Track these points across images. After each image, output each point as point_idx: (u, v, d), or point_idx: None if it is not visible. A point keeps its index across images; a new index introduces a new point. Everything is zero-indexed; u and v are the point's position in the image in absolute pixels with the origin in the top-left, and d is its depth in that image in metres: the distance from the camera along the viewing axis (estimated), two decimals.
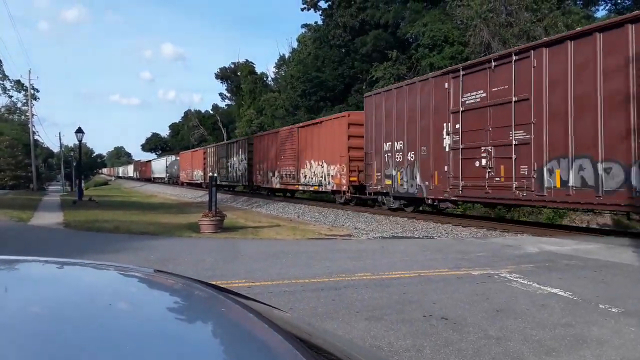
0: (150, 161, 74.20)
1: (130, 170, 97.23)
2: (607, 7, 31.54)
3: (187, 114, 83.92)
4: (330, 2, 37.95)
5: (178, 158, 52.95)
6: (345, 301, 4.99)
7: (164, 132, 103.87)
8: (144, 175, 73.14)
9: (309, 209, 19.15)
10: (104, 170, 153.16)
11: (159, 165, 62.25)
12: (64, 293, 1.07)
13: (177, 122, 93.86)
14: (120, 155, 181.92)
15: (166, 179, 56.37)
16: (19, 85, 54.26)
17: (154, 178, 64.20)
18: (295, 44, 50.32)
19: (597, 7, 30.84)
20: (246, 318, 1.03)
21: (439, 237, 11.32)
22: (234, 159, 31.99)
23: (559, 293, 5.31)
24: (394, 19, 30.03)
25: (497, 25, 22.94)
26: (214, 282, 5.29)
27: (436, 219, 14.65)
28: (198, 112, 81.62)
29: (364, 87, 32.68)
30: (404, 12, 29.19)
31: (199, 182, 40.50)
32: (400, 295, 5.27)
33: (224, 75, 68.76)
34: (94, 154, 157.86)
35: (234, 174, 31.88)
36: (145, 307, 1.07)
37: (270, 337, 0.91)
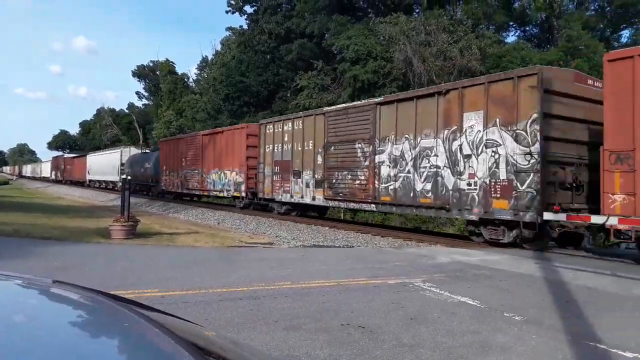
0: (84, 156, 52.25)
1: (43, 169, 75.15)
2: (516, 34, 34.39)
3: (100, 112, 79.45)
4: (256, 8, 37.81)
5: (148, 151, 40.91)
6: (264, 311, 4.89)
7: (74, 130, 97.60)
8: (72, 176, 54.19)
9: (229, 216, 18.78)
10: (6, 168, 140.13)
11: (105, 161, 42.95)
12: None
13: (88, 120, 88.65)
14: (23, 153, 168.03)
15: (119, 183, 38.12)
16: None
17: (91, 182, 46.78)
18: (219, 47, 49.53)
19: (507, 32, 33.49)
20: (148, 331, 1.00)
21: (359, 246, 11.54)
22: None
23: (468, 302, 5.58)
24: (319, 30, 30.51)
25: (417, 44, 24.05)
26: (123, 292, 4.96)
27: (356, 228, 14.95)
28: (112, 110, 77.55)
29: (288, 95, 32.86)
30: (329, 24, 29.75)
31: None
32: (319, 304, 5.27)
33: (141, 73, 65.98)
34: None
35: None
36: (40, 321, 0.99)
37: (172, 349, 0.88)
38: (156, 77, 60.59)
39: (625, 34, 31.90)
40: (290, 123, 17.90)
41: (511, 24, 32.91)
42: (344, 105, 16.27)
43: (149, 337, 0.96)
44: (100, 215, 16.91)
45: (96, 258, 8.27)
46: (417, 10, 29.74)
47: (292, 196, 17.51)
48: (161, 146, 29.92)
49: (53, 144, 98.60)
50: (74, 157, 57.88)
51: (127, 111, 74.23)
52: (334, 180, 15.41)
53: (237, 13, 39.90)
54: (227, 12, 40.00)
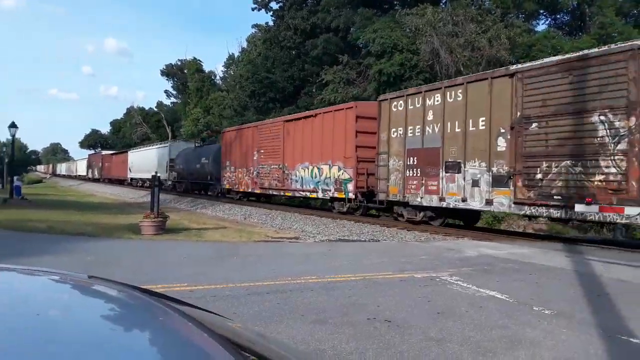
0: (125, 152, 47.81)
1: (79, 167, 71.73)
2: (547, 22, 33.49)
3: (130, 111, 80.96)
4: (281, 4, 37.88)
5: (203, 144, 33.85)
6: (291, 305, 4.94)
7: (105, 129, 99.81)
8: (110, 173, 51.50)
9: (255, 211, 18.96)
10: (40, 167, 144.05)
11: (150, 157, 38.31)
12: None
13: (118, 119, 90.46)
14: (56, 152, 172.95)
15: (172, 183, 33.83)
16: None
17: (133, 180, 42.79)
18: (245, 44, 49.80)
19: (537, 21, 32.64)
20: (183, 326, 1.01)
21: (385, 240, 11.50)
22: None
23: (497, 295, 5.52)
24: (345, 24, 30.37)
25: (444, 35, 23.69)
26: (154, 286, 5.07)
27: (382, 222, 14.89)
28: (141, 109, 78.87)
29: (314, 90, 32.82)
30: (355, 18, 29.56)
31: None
32: (345, 298, 5.29)
33: (170, 72, 66.91)
34: (28, 150, 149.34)
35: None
36: (77, 316, 1.02)
37: (207, 344, 0.89)
38: (184, 75, 61.36)
39: None
40: (438, 95, 12.70)
41: (541, 11, 31.99)
42: (566, 56, 10.31)
43: (184, 332, 0.97)
44: (131, 212, 17.33)
45: (128, 253, 8.49)
46: (444, 1, 29.26)
47: (442, 199, 12.41)
48: (224, 137, 25.74)
49: (85, 143, 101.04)
50: (113, 154, 54.51)
51: (156, 109, 75.46)
52: (537, 175, 10.19)
53: (262, 10, 40.01)
54: (253, 9, 40.15)
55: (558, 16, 32.99)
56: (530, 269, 7.25)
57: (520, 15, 29.26)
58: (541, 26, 32.99)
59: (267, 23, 42.58)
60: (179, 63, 64.92)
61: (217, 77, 58.62)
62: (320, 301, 5.13)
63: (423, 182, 12.99)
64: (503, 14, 26.02)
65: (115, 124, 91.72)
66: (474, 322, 4.44)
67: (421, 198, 13.08)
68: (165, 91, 75.25)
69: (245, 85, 37.35)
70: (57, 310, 1.03)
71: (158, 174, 12.98)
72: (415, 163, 13.34)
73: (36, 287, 1.20)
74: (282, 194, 20.49)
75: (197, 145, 32.56)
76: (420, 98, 13.17)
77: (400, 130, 13.85)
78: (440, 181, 12.46)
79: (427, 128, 12.95)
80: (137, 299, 1.18)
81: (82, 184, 55.58)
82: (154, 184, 11.89)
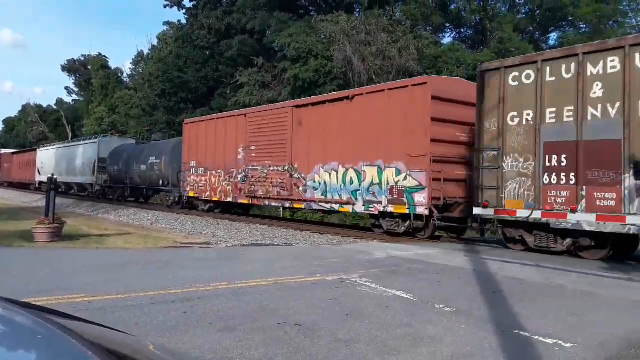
0: (33, 150, 40.95)
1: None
2: (452, 35, 35.79)
3: (26, 108, 74.40)
4: (195, 2, 36.87)
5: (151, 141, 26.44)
6: (198, 313, 4.77)
7: None
8: (11, 177, 44.53)
9: (163, 216, 18.18)
10: None
11: (70, 157, 32.03)
12: None
13: (12, 116, 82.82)
14: None
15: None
16: None
17: (43, 184, 33.57)
18: (155, 41, 47.81)
19: (443, 34, 34.78)
20: (61, 343, 0.92)
21: (298, 244, 11.54)
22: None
23: (402, 295, 5.73)
24: (261, 27, 30.22)
25: (357, 43, 24.39)
26: (48, 298, 4.67)
27: (296, 226, 14.96)
28: (39, 106, 72.84)
29: (228, 92, 32.28)
30: (271, 21, 29.55)
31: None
32: (256, 303, 5.20)
33: (72, 67, 62.49)
34: None
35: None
36: None
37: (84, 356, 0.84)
38: (87, 72, 57.66)
39: (553, 37, 34.07)
40: (614, 58, 8.53)
41: (447, 25, 34.19)
42: None
43: (61, 348, 0.89)
44: (24, 218, 15.83)
45: (19, 262, 7.73)
46: (358, 10, 30.15)
47: (623, 219, 8.18)
48: (188, 130, 20.18)
49: None
50: (14, 153, 46.90)
51: (55, 107, 70.00)
52: None
53: (175, 7, 38.66)
54: (165, 6, 38.64)
55: (462, 30, 35.47)
56: (434, 269, 7.64)
57: (428, 28, 30.99)
58: (447, 39, 35.28)
59: (179, 21, 41.30)
60: (83, 59, 60.89)
61: (125, 75, 55.83)
62: (229, 308, 5.00)
63: (582, 193, 8.70)
64: (412, 26, 27.40)
65: (8, 122, 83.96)
66: (381, 322, 4.57)
67: (577, 218, 8.71)
68: (67, 88, 70.04)
69: (155, 84, 35.82)
70: None
71: (55, 177, 11.98)
72: (563, 164, 9.03)
73: None
74: (287, 205, 15.85)
75: (140, 141, 26.60)
76: (573, 64, 8.95)
77: (527, 115, 9.56)
78: (623, 192, 8.21)
79: (591, 110, 8.71)
80: (11, 313, 1.07)
81: None
82: (49, 187, 10.96)
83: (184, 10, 38.58)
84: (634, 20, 29.78)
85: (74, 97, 67.13)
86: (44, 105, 73.61)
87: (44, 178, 34.44)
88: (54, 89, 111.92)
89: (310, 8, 32.25)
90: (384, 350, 3.80)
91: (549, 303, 5.49)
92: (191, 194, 19.59)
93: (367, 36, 24.68)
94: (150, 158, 22.78)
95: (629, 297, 5.80)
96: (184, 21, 39.61)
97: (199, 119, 20.86)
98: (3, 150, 53.41)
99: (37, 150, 39.56)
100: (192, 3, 37.33)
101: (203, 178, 18.84)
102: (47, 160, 35.91)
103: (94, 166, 27.65)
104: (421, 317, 4.81)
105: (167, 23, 43.03)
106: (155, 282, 6.25)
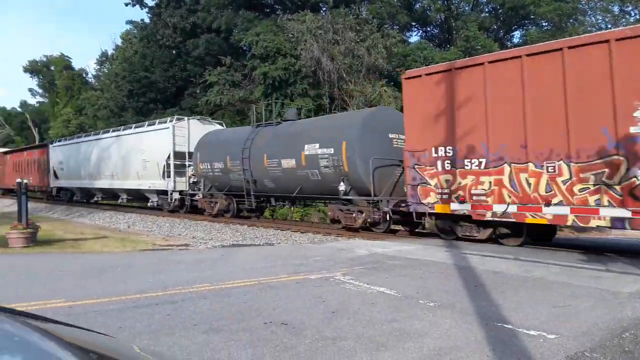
0: (45, 146, 31.61)
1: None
2: (419, 34, 36.17)
3: None
4: (157, 1, 36.19)
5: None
6: (182, 315, 4.71)
7: None
8: (3, 181, 35.89)
9: (140, 219, 17.89)
10: None
11: (120, 151, 22.46)
12: None
13: None
14: None
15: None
16: None
17: (63, 191, 28.67)
18: (119, 41, 46.96)
19: (410, 32, 35.11)
20: (38, 344, 0.92)
21: (279, 243, 11.51)
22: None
23: (386, 291, 5.77)
24: (227, 25, 29.86)
25: (325, 42, 24.38)
26: (25, 304, 4.53)
27: (276, 225, 14.90)
28: (3, 109, 70.78)
29: (198, 91, 31.90)
30: (237, 20, 29.27)
31: None
32: (240, 304, 5.17)
33: (34, 68, 60.73)
34: None
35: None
36: None
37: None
38: (51, 72, 56.19)
39: (517, 35, 34.83)
40: None
41: (413, 24, 34.55)
42: None
43: (40, 350, 0.89)
44: None
45: None
46: (325, 9, 30.14)
47: None
48: (417, 89, 11.18)
49: None
50: (9, 152, 37.78)
51: (19, 110, 68.09)
52: None
53: (137, 6, 37.91)
54: (126, 4, 37.85)
55: (428, 29, 35.91)
56: (415, 265, 7.71)
57: (395, 26, 31.25)
58: (414, 37, 35.66)
59: (142, 20, 40.64)
60: (45, 59, 59.30)
61: (90, 75, 54.63)
62: (214, 309, 4.95)
63: None
64: (379, 25, 27.58)
65: None
66: (367, 319, 4.59)
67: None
68: (30, 89, 68.11)
69: (121, 84, 35.15)
70: None
71: (25, 180, 11.62)
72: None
73: None
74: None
75: (271, 121, 16.91)
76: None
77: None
78: None
79: None
80: None
81: None
82: (20, 192, 10.67)
83: (147, 9, 37.94)
84: (593, 19, 30.65)
85: (39, 98, 65.45)
86: (8, 108, 71.64)
87: (64, 183, 27.61)
88: (17, 90, 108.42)
89: (276, 7, 31.98)
90: (371, 347, 3.82)
91: (530, 295, 5.61)
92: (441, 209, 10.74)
93: (334, 35, 24.70)
94: (309, 147, 13.65)
95: (608, 287, 5.96)
96: (147, 20, 39.00)
97: (463, 62, 10.91)
98: None
99: (50, 145, 30.34)
100: (154, 1, 36.65)
101: (484, 177, 9.96)
102: (71, 158, 26.81)
103: (166, 164, 19.00)
104: (406, 312, 4.85)
105: (130, 22, 42.27)
106: (136, 285, 6.15)
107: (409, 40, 32.71)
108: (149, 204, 21.47)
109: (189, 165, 18.93)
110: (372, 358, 3.59)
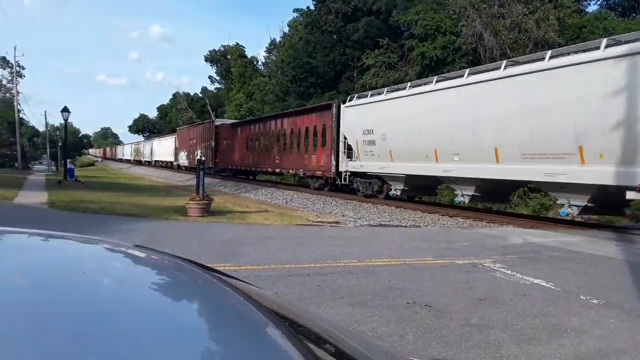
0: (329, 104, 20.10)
1: (157, 149, 51.79)
2: (598, 2, 31.74)
3: (176, 96, 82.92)
4: None
5: None
6: (331, 287, 5.00)
7: (152, 114, 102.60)
8: (230, 162, 31.01)
9: (297, 196, 19.14)
10: (95, 150, 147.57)
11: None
12: (36, 264, 1.06)
13: (165, 104, 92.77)
14: (107, 136, 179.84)
15: None
16: (4, 62, 53.18)
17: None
18: (286, 29, 49.85)
19: (588, 1, 31.01)
20: (227, 293, 1.02)
21: (426, 226, 11.38)
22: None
23: (541, 284, 5.38)
24: (387, 6, 29.83)
25: (489, 17, 22.88)
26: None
27: (424, 208, 14.73)
28: (187, 94, 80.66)
29: (355, 75, 32.53)
30: (397, 0, 29.03)
31: None
32: (385, 282, 5.30)
33: (213, 58, 67.93)
34: (80, 134, 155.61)
35: None
36: (123, 279, 1.06)
37: (253, 314, 0.90)
38: (227, 61, 62.12)
39: None
40: None
41: None
42: None
43: (231, 300, 0.99)
44: (178, 194, 17.87)
45: (174, 234, 8.78)
46: None
47: None
48: None
49: (134, 127, 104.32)
50: (242, 124, 31.92)
51: (200, 95, 76.95)
52: None
53: None
54: None
55: None
56: (578, 258, 7.01)
57: None
58: (592, 6, 31.37)
59: (308, 7, 42.46)
60: (222, 49, 65.75)
61: (259, 63, 59.04)
62: (359, 284, 5.16)
63: None
64: None
65: (162, 109, 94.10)
66: (517, 310, 4.36)
67: None
68: (209, 77, 76.73)
69: (286, 70, 37.46)
70: (104, 273, 1.06)
71: (203, 157, 13.17)
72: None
73: (85, 251, 1.25)
74: None
75: None
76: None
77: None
78: None
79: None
80: (182, 267, 1.20)
81: (130, 167, 57.64)
82: (198, 167, 12.20)
83: None
84: None
85: (216, 85, 73.10)
86: (191, 94, 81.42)
87: (394, 166, 15.59)
88: (199, 78, 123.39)
89: None
90: (520, 339, 3.64)
91: None
92: None
93: (500, 8, 22.99)
94: None
95: None
96: (312, 7, 40.65)
97: None
98: (219, 121, 35.78)
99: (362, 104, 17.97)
100: None
101: None
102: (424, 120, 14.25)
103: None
104: (563, 307, 4.48)
105: (296, 10, 44.56)
106: (290, 256, 6.67)
107: (587, 10, 29.00)
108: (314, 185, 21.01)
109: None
110: (521, 350, 3.42)
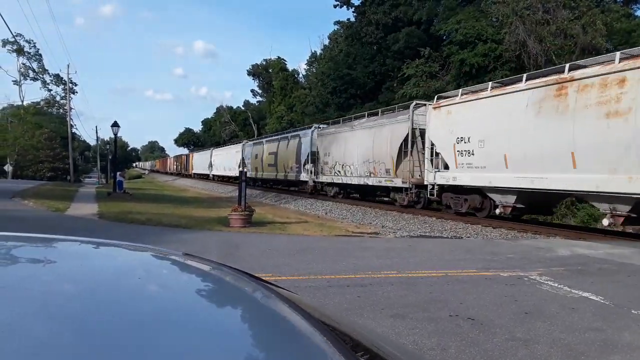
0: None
1: (217, 161, 44.72)
2: None
3: (219, 110, 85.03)
4: None
5: None
6: (371, 298, 4.99)
7: (197, 128, 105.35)
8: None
9: (336, 206, 19.18)
10: (145, 164, 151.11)
11: None
12: (93, 270, 1.12)
13: (209, 117, 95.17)
14: (154, 150, 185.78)
15: None
16: (57, 79, 56.30)
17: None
18: (327, 41, 50.45)
19: (637, 5, 29.79)
20: (274, 301, 1.05)
21: (468, 237, 11.17)
22: None
23: (591, 297, 5.18)
24: (428, 16, 29.77)
25: (533, 23, 22.39)
26: None
27: (465, 219, 14.45)
28: (230, 108, 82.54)
29: (395, 85, 32.47)
30: (438, 9, 28.91)
31: None
32: (426, 294, 5.24)
33: (255, 71, 69.46)
34: (129, 148, 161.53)
35: None
36: (174, 286, 1.09)
37: (299, 323, 0.91)
38: (269, 74, 63.35)
39: None
40: None
41: None
42: None
43: (278, 308, 1.01)
44: (221, 206, 18.26)
45: (218, 244, 8.99)
46: None
47: None
48: None
49: (179, 141, 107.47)
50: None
51: (243, 108, 78.61)
52: None
53: (344, 6, 40.22)
54: (335, 6, 40.50)
55: None
56: (629, 270, 6.71)
57: (618, 0, 26.92)
58: None
59: (348, 19, 42.82)
60: (264, 63, 67.13)
61: (300, 75, 59.86)
62: (400, 296, 5.13)
63: None
64: None
65: (206, 122, 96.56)
66: (565, 324, 4.22)
67: None
68: (252, 90, 78.41)
69: (326, 82, 37.83)
70: (154, 281, 1.10)
71: (245, 170, 13.46)
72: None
73: (135, 259, 1.30)
74: None
75: None
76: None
77: None
78: None
79: None
80: (230, 275, 1.22)
81: (176, 180, 59.31)
82: (241, 180, 12.45)
83: (353, 8, 39.87)
84: None
85: (258, 98, 74.57)
86: (234, 107, 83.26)
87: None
88: (241, 92, 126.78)
89: None
90: (569, 354, 3.52)
91: None
92: None
93: (544, 14, 22.45)
94: None
95: None
96: (352, 19, 40.97)
97: None
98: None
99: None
100: (359, 0, 38.39)
101: None
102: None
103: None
104: (614, 322, 4.30)
105: (337, 22, 45.02)
106: (330, 267, 6.71)
107: (635, 14, 27.90)
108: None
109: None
110: None
